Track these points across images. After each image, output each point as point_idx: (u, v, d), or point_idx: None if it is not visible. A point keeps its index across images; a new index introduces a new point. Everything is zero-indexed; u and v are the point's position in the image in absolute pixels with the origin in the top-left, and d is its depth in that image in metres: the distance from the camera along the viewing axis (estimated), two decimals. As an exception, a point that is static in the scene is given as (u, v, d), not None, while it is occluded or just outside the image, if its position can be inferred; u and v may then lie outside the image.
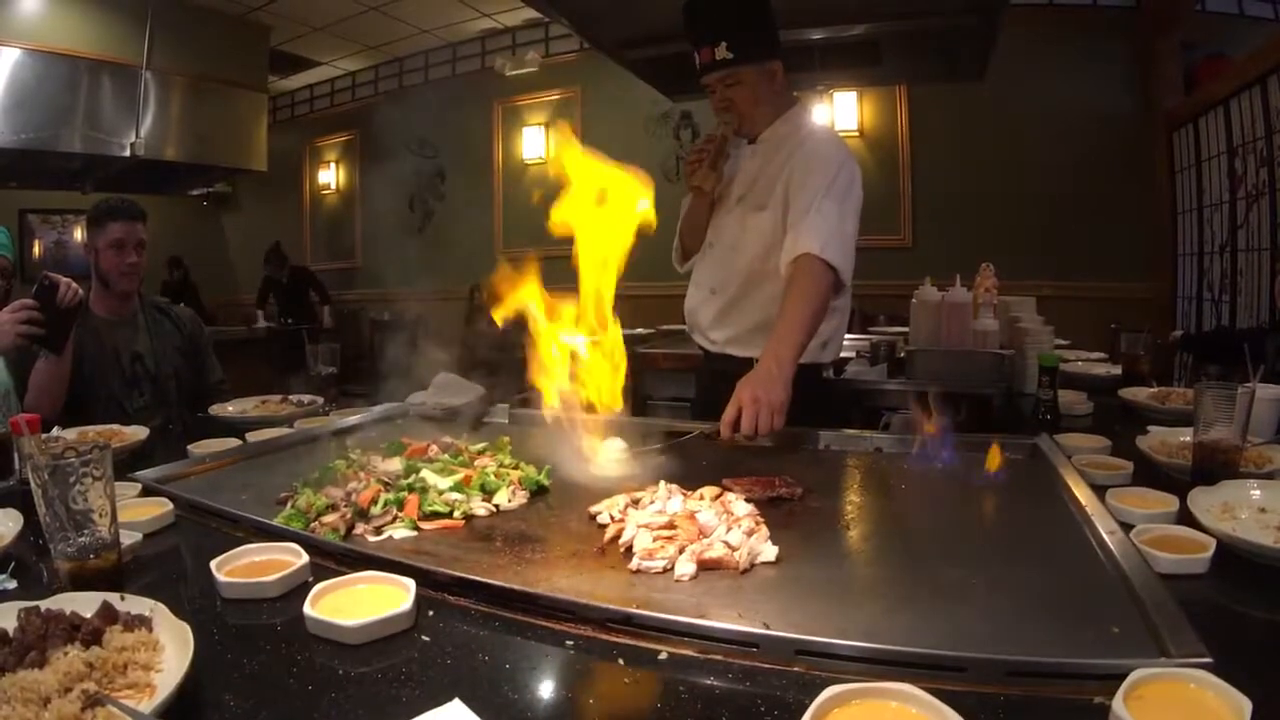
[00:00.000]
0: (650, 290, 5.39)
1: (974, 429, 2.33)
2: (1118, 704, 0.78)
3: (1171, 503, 1.44)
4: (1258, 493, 1.46)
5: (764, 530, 1.35)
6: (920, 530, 1.49)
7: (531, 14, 5.85)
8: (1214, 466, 1.57)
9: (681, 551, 1.27)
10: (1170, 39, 5.58)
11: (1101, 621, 1.02)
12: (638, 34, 3.14)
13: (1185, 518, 1.37)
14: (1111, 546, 1.23)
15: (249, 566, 1.23)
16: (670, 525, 1.35)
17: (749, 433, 1.84)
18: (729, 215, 2.50)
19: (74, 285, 2.29)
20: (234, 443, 2.09)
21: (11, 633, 0.96)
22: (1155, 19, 5.58)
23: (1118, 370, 3.05)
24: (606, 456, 1.86)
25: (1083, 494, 1.49)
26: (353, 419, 2.40)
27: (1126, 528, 1.29)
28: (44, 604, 1.02)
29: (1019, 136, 5.93)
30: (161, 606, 1.02)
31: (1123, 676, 0.82)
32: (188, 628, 0.95)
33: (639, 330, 5.26)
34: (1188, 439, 1.72)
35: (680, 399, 3.69)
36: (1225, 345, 3.25)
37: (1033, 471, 1.78)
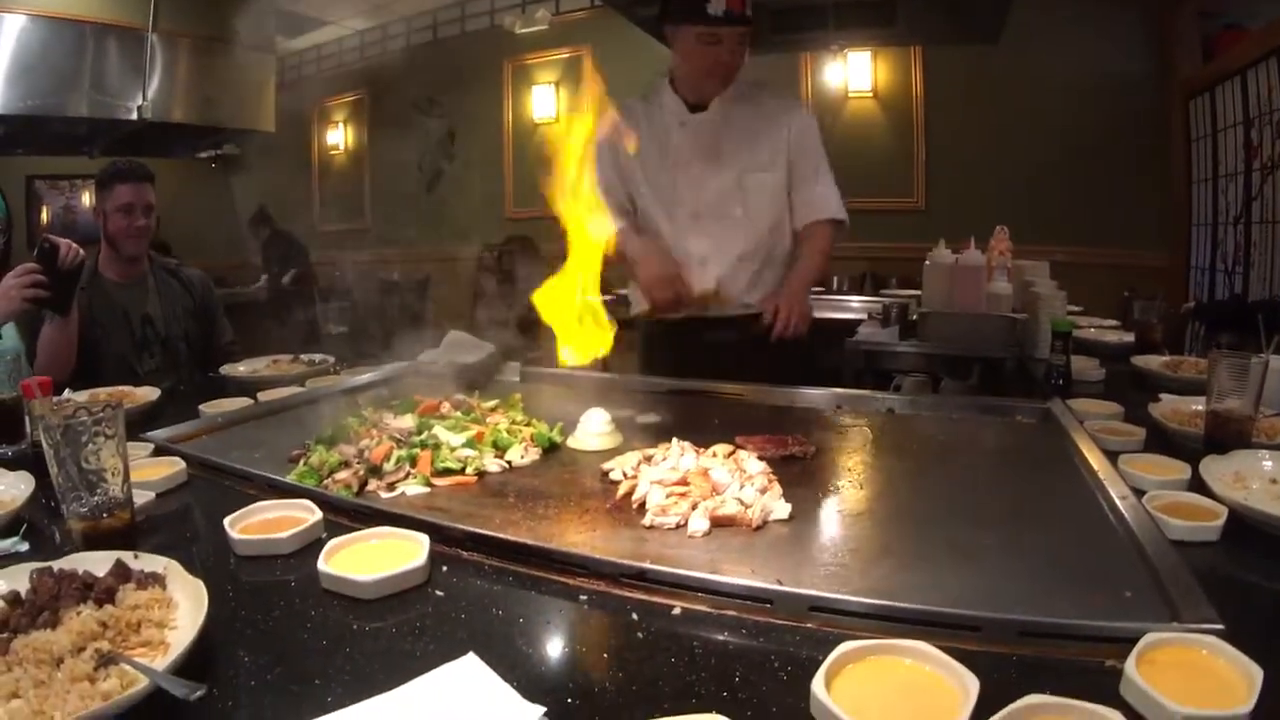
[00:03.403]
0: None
1: (986, 392, 2.32)
2: (1130, 667, 0.79)
3: (1184, 470, 1.43)
4: (1269, 463, 1.45)
5: (777, 488, 1.36)
6: (933, 491, 1.48)
7: (541, -29, 5.80)
8: (1226, 436, 1.56)
9: (695, 508, 1.27)
10: (1188, 7, 5.48)
11: (1114, 585, 1.02)
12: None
13: (1197, 485, 1.37)
14: (1124, 512, 1.23)
15: (262, 524, 1.24)
16: (683, 482, 1.36)
17: (785, 323, 2.26)
18: (715, 179, 2.50)
19: (74, 246, 2.29)
20: (246, 402, 2.09)
21: (24, 594, 0.96)
22: (1173, -14, 5.48)
23: (1130, 337, 3.03)
24: (588, 430, 1.77)
25: (1095, 459, 1.48)
26: (364, 377, 2.41)
27: (1138, 494, 1.29)
28: (57, 564, 1.02)
29: (1034, 101, 5.84)
30: (175, 564, 1.03)
31: (1135, 640, 0.83)
32: (201, 585, 0.95)
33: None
34: (1200, 407, 1.71)
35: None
36: (1238, 315, 3.23)
37: (1045, 436, 1.78)
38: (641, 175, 2.54)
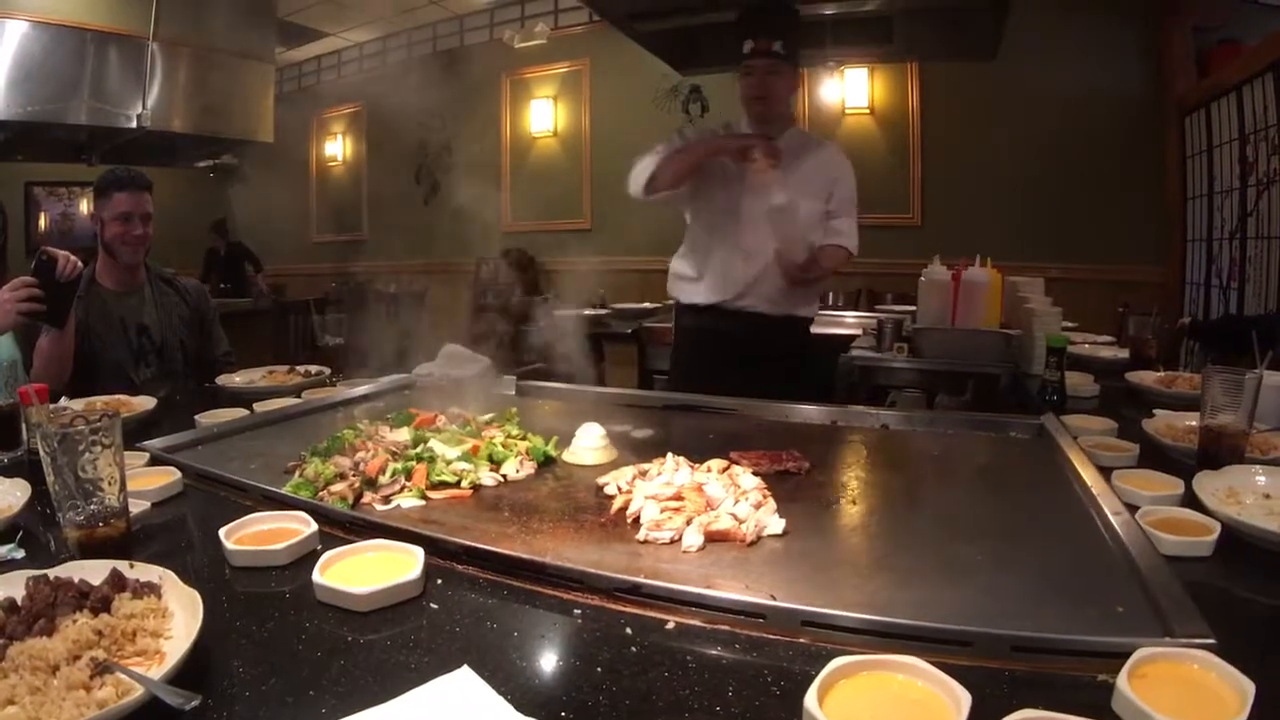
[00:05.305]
0: (657, 265, 5.38)
1: (981, 408, 2.32)
2: (1122, 682, 0.79)
3: (1177, 486, 1.44)
4: (1263, 479, 1.46)
5: (771, 503, 1.36)
6: (927, 507, 1.49)
7: (540, -15, 5.83)
8: (1219, 451, 1.57)
9: (689, 523, 1.27)
10: (1183, 23, 5.51)
11: (1106, 600, 1.03)
12: (647, 6, 3.11)
13: (1190, 501, 1.37)
14: (1117, 527, 1.23)
15: (258, 535, 1.24)
16: (678, 497, 1.36)
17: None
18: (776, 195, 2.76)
19: (72, 258, 2.28)
20: (242, 413, 2.09)
21: (20, 601, 0.96)
22: (1168, 2, 5.51)
23: (1125, 353, 3.04)
24: (583, 444, 1.78)
25: (1089, 475, 1.49)
26: (360, 390, 2.41)
27: (1132, 509, 1.29)
28: (53, 572, 1.02)
29: (1030, 117, 5.87)
30: (171, 574, 1.03)
31: (1127, 655, 0.83)
32: (197, 595, 0.95)
33: (645, 304, 5.26)
34: (1194, 423, 1.72)
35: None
36: (1233, 332, 3.23)
37: (1039, 451, 1.79)
38: (721, 177, 2.85)
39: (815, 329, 3.14)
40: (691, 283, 2.94)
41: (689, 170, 2.73)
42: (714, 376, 2.60)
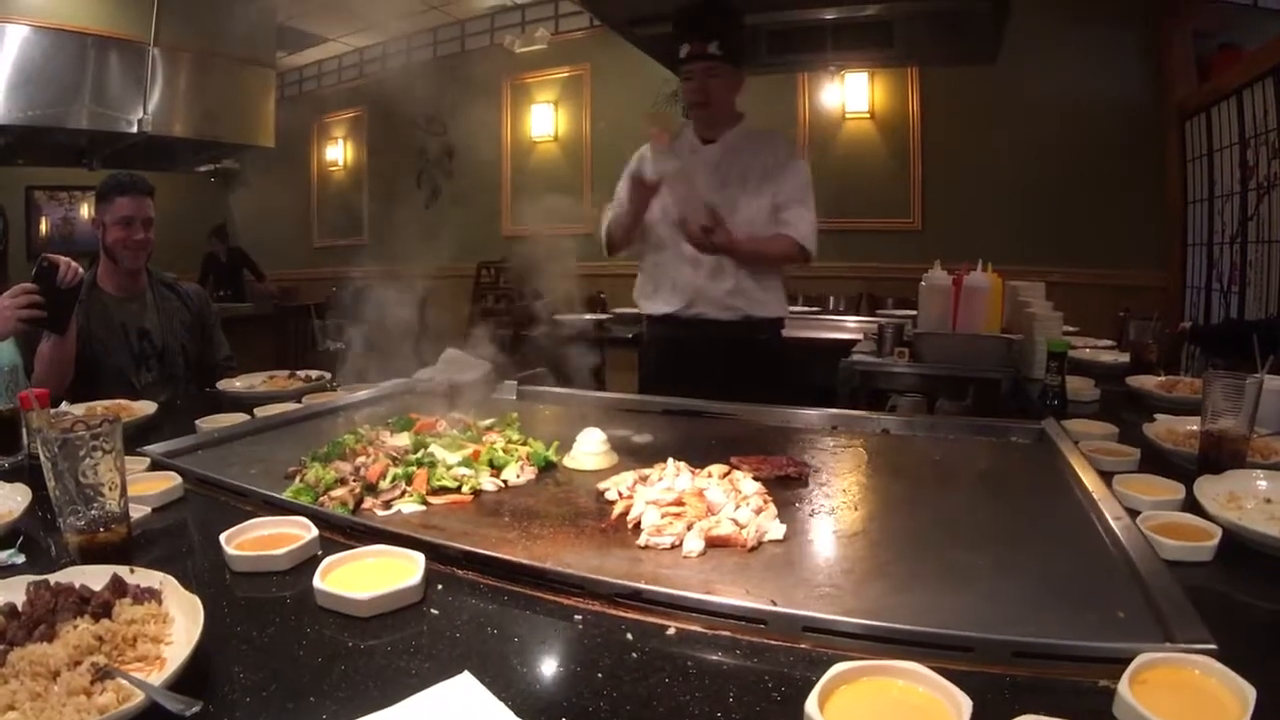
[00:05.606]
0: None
1: (981, 413, 2.32)
2: (1123, 688, 0.79)
3: (1178, 490, 1.44)
4: (1264, 483, 1.45)
5: (772, 508, 1.36)
6: (927, 512, 1.48)
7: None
8: (1220, 456, 1.57)
9: (690, 528, 1.27)
10: (1183, 27, 5.53)
11: (1107, 606, 1.03)
12: (647, 10, 3.12)
13: (1191, 506, 1.37)
14: (1118, 532, 1.23)
15: (258, 540, 1.23)
16: (678, 502, 1.36)
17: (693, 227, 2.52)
18: (714, 197, 2.71)
19: (73, 264, 2.28)
20: (242, 418, 2.09)
21: (20, 606, 0.96)
22: (1168, 7, 5.53)
23: (1125, 358, 3.04)
24: (583, 449, 1.77)
25: (1090, 480, 1.49)
26: (361, 395, 2.41)
27: (1133, 514, 1.29)
28: (53, 578, 1.02)
29: (1030, 121, 5.89)
30: (171, 579, 1.02)
31: (1128, 660, 0.83)
32: (197, 600, 0.95)
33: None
34: (1194, 428, 1.72)
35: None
36: (1234, 337, 3.23)
37: (1040, 456, 1.78)
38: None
39: (815, 334, 3.14)
40: (649, 294, 2.93)
41: (635, 223, 2.78)
42: (678, 385, 2.51)
